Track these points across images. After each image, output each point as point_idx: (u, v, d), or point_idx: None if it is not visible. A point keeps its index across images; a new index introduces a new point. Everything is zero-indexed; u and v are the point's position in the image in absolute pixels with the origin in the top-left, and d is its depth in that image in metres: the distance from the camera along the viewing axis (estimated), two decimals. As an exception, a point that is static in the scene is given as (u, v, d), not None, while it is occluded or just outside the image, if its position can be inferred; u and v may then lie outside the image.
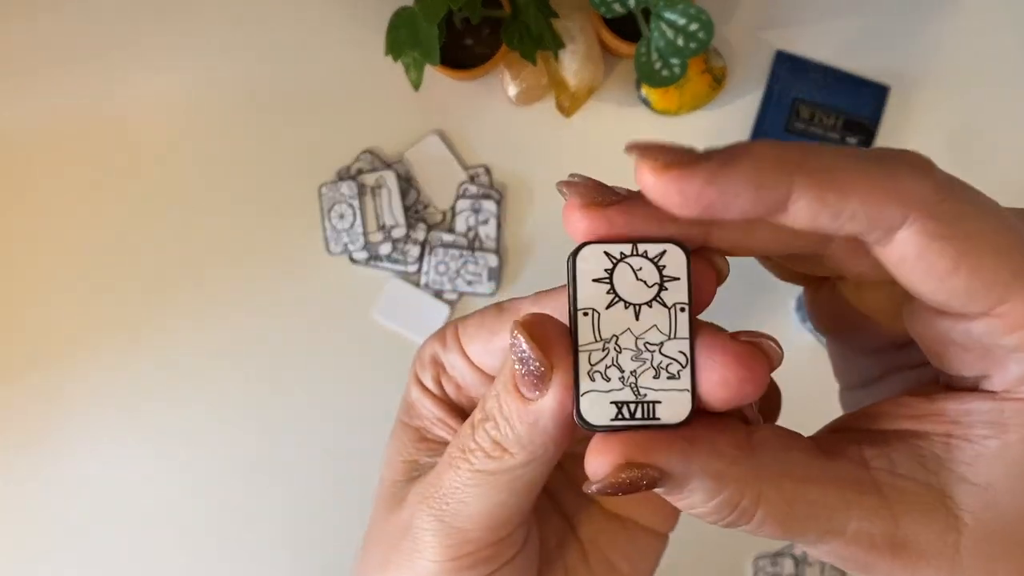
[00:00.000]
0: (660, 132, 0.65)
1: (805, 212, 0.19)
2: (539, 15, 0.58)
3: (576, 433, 0.22)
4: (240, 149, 0.65)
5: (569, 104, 0.63)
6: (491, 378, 0.24)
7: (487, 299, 0.64)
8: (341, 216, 0.63)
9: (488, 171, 0.65)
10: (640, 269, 0.21)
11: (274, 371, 0.65)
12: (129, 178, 0.65)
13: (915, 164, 0.19)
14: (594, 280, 0.21)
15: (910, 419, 0.22)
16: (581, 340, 0.20)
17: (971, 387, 0.21)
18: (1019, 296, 0.19)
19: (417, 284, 0.65)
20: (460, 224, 0.64)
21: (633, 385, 0.20)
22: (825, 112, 0.65)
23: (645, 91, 0.64)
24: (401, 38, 0.56)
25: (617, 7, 0.55)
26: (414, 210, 0.65)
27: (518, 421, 0.21)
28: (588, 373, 0.20)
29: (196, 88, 0.65)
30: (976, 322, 0.20)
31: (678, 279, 0.20)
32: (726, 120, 0.65)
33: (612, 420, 0.20)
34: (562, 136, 0.65)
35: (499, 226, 0.64)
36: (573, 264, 0.21)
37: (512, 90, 0.63)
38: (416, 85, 0.58)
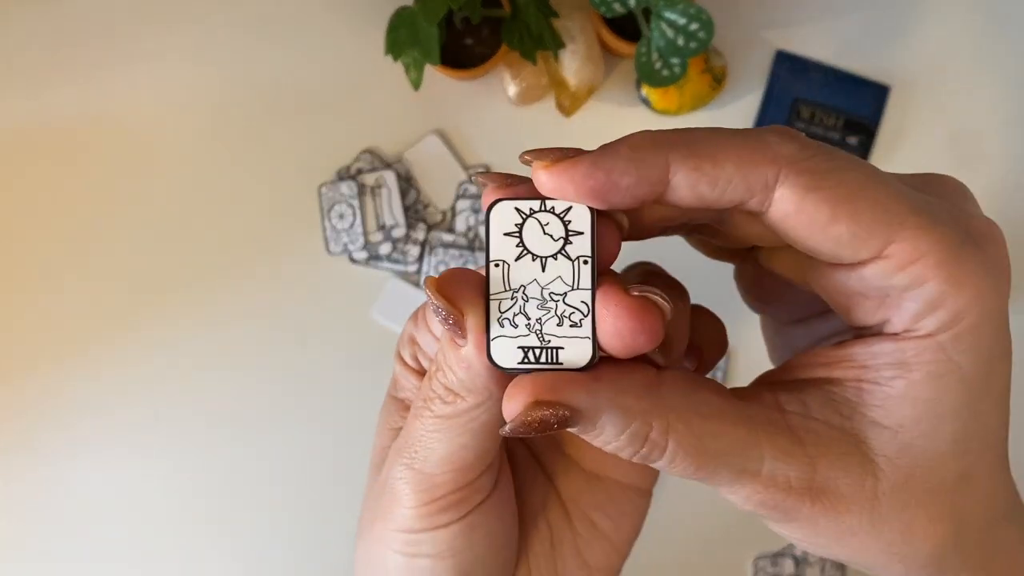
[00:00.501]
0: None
1: (684, 184, 0.20)
2: (539, 15, 0.58)
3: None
4: (239, 149, 0.65)
5: (569, 104, 0.63)
6: None
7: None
8: (341, 216, 0.63)
9: (488, 171, 0.65)
10: (547, 224, 0.22)
11: (274, 371, 0.64)
12: (128, 178, 0.65)
13: (780, 131, 0.21)
14: (505, 234, 0.22)
15: (822, 367, 0.23)
16: (492, 289, 0.22)
17: (876, 333, 0.22)
18: (902, 236, 0.20)
19: (417, 284, 0.65)
20: (460, 224, 0.64)
21: (538, 332, 0.22)
22: (825, 112, 0.65)
23: (645, 91, 0.64)
24: (401, 38, 0.56)
25: (617, 7, 0.55)
26: (414, 210, 0.65)
27: (456, 367, 0.23)
28: (498, 320, 0.22)
29: (196, 88, 0.65)
30: (867, 268, 0.21)
31: (582, 234, 0.22)
32: (726, 120, 0.65)
33: (519, 363, 0.22)
34: (562, 136, 0.65)
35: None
36: (487, 219, 0.22)
37: (512, 90, 0.63)
38: (416, 85, 0.58)
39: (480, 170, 0.23)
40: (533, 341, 0.22)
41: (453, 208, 0.65)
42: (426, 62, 0.56)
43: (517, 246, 0.22)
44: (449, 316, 0.22)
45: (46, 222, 0.65)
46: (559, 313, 0.22)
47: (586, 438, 0.22)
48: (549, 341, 0.22)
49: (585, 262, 0.22)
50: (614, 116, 0.65)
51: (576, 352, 0.22)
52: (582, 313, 0.22)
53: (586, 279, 0.22)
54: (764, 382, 0.24)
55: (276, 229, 0.65)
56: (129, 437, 0.64)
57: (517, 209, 0.22)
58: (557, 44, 0.60)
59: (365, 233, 0.63)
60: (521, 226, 0.22)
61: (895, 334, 0.21)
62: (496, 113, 0.65)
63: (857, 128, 0.65)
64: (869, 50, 0.65)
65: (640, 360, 0.23)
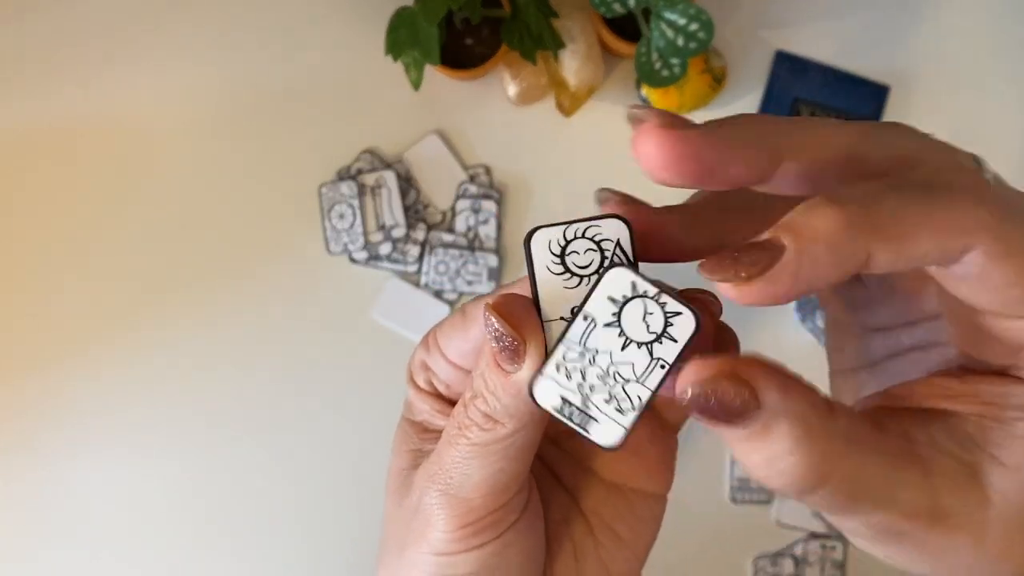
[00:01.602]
0: (660, 132, 0.65)
1: (884, 264, 0.19)
2: (539, 15, 0.58)
3: None
4: (240, 149, 0.65)
5: (569, 104, 0.63)
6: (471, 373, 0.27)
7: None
8: (341, 216, 0.63)
9: (488, 171, 0.65)
10: (651, 314, 0.22)
11: (274, 371, 0.65)
12: (128, 178, 0.65)
13: (969, 189, 0.20)
14: (609, 298, 0.22)
15: (944, 398, 0.22)
16: (570, 335, 0.22)
17: (998, 372, 0.22)
18: None
19: (417, 284, 0.65)
20: (460, 224, 0.64)
21: (586, 396, 0.22)
22: (825, 112, 0.65)
23: (645, 91, 0.64)
24: (401, 38, 0.56)
25: (617, 7, 0.55)
26: (414, 210, 0.65)
27: (503, 393, 0.24)
28: (556, 363, 0.22)
29: (196, 88, 0.65)
30: (1019, 321, 0.21)
31: (676, 342, 0.22)
32: (726, 120, 0.65)
33: (554, 408, 0.23)
34: (562, 136, 0.65)
35: (499, 226, 0.64)
36: (599, 277, 0.22)
37: (512, 90, 0.63)
38: (416, 85, 0.58)
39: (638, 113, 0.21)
40: (576, 400, 0.22)
41: (453, 208, 0.65)
42: (426, 62, 0.56)
43: (613, 315, 0.22)
44: (512, 342, 0.23)
45: (46, 222, 0.65)
46: (612, 392, 0.22)
47: (741, 448, 0.20)
48: (588, 409, 0.22)
49: (663, 367, 0.22)
50: (614, 116, 0.65)
51: (606, 432, 0.22)
52: (631, 407, 0.22)
53: (654, 380, 0.22)
54: (884, 407, 0.23)
55: (276, 229, 0.65)
56: (129, 437, 0.64)
57: (633, 283, 0.22)
58: (557, 44, 0.60)
59: (365, 233, 0.63)
60: (626, 301, 0.22)
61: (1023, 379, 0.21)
62: (496, 113, 0.65)
63: (857, 128, 0.65)
64: (869, 50, 0.65)
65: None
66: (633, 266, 0.22)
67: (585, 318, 0.22)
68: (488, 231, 0.64)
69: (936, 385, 0.23)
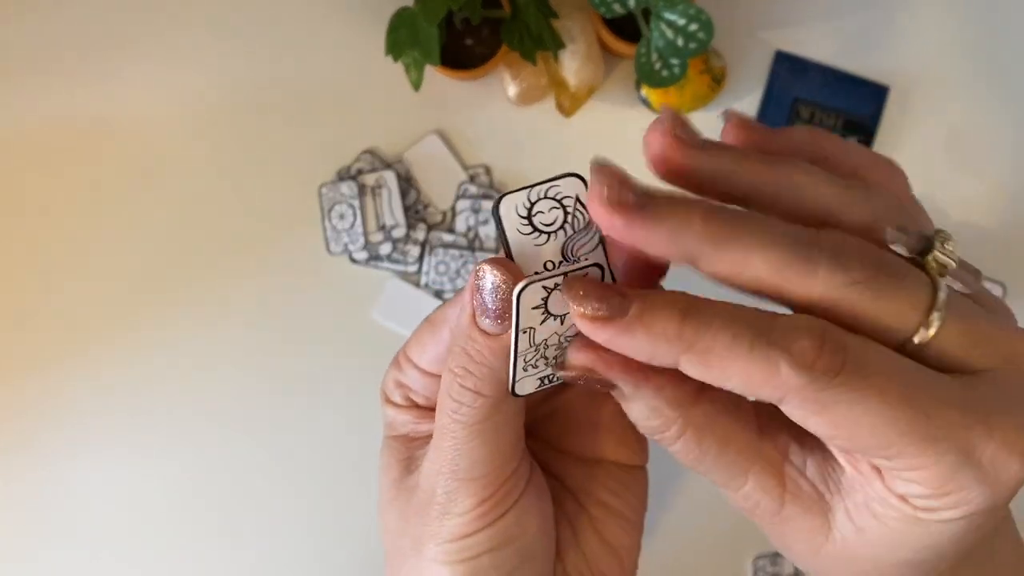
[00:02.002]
0: (660, 132, 0.65)
1: (691, 372, 0.22)
2: (539, 15, 0.58)
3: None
4: (240, 149, 0.65)
5: (569, 104, 0.63)
6: None
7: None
8: (341, 216, 0.64)
9: (488, 171, 0.65)
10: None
11: (274, 371, 0.65)
12: (128, 178, 0.65)
13: (800, 359, 0.21)
14: (533, 308, 0.24)
15: (835, 445, 0.25)
16: (520, 347, 0.25)
17: None
18: (902, 452, 0.22)
19: (417, 284, 0.65)
20: (460, 224, 0.64)
21: (550, 365, 0.26)
22: (825, 112, 0.65)
23: (645, 91, 0.64)
24: (401, 38, 0.56)
25: (617, 7, 0.55)
26: (414, 210, 0.65)
27: (490, 354, 0.25)
28: (523, 367, 0.25)
29: (196, 88, 0.65)
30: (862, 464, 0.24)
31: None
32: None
33: (537, 388, 0.26)
34: (562, 136, 0.65)
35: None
36: (518, 299, 0.24)
37: (512, 90, 0.63)
38: (416, 85, 0.58)
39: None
40: (548, 371, 0.26)
41: (453, 208, 0.65)
42: (426, 62, 0.56)
43: (542, 313, 0.24)
44: (507, 295, 0.24)
45: (46, 222, 0.65)
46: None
47: (619, 401, 0.25)
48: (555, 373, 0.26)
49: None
50: (614, 116, 0.65)
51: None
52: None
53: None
54: (788, 420, 0.25)
55: (276, 229, 0.65)
56: (129, 437, 0.64)
57: (544, 287, 0.24)
58: (557, 44, 0.60)
59: (365, 233, 0.64)
60: (546, 299, 0.24)
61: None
62: (496, 113, 0.65)
63: (856, 128, 0.65)
64: (868, 50, 0.65)
65: (680, 378, 0.25)
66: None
67: (524, 331, 0.25)
68: (488, 231, 0.64)
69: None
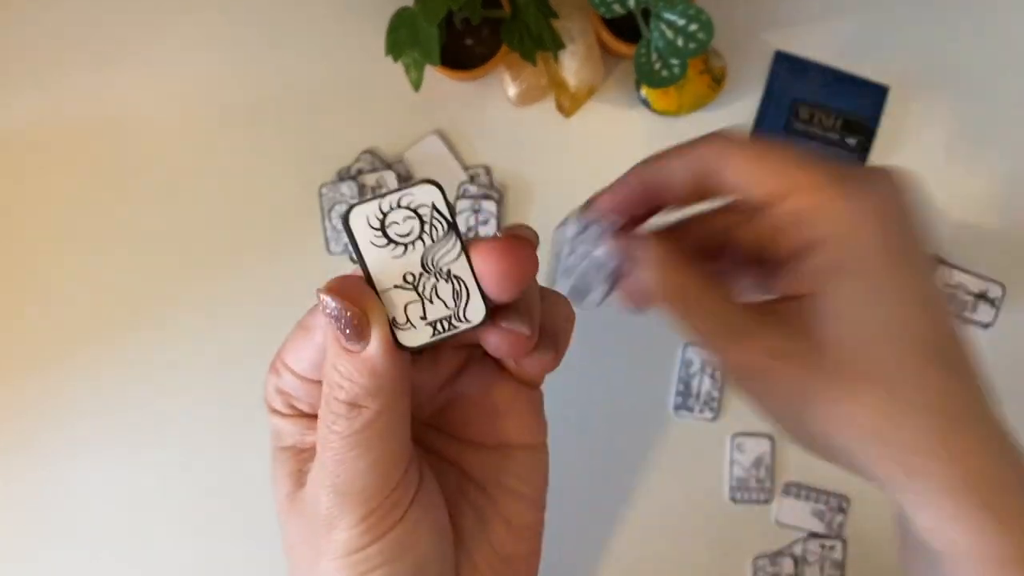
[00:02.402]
0: (660, 132, 0.65)
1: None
2: (539, 15, 0.58)
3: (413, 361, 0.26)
4: (240, 149, 0.65)
5: (569, 104, 0.63)
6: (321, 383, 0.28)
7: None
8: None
9: (488, 171, 0.65)
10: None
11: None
12: (129, 178, 0.65)
13: (722, 135, 0.30)
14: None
15: (796, 287, 0.30)
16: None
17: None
18: (789, 181, 0.28)
19: (417, 284, 0.65)
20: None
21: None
22: (825, 112, 0.65)
23: (645, 91, 0.64)
24: (401, 38, 0.56)
25: (617, 7, 0.55)
26: (414, 210, 0.65)
27: (358, 375, 0.24)
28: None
29: (196, 89, 0.65)
30: (781, 204, 0.28)
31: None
32: (726, 120, 0.65)
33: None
34: (562, 136, 0.65)
35: (499, 226, 0.64)
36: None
37: (512, 90, 0.63)
38: (416, 85, 0.58)
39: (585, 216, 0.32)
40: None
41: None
42: (426, 63, 0.56)
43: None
44: (352, 317, 0.23)
45: (46, 222, 0.65)
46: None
47: (630, 278, 0.30)
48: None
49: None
50: (614, 117, 0.65)
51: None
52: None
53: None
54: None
55: (277, 229, 0.65)
56: (129, 437, 0.64)
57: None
58: (557, 45, 0.60)
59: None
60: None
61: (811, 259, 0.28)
62: (496, 114, 0.65)
63: (856, 129, 0.65)
64: (868, 50, 0.65)
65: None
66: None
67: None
68: (488, 231, 0.64)
69: (787, 277, 0.30)
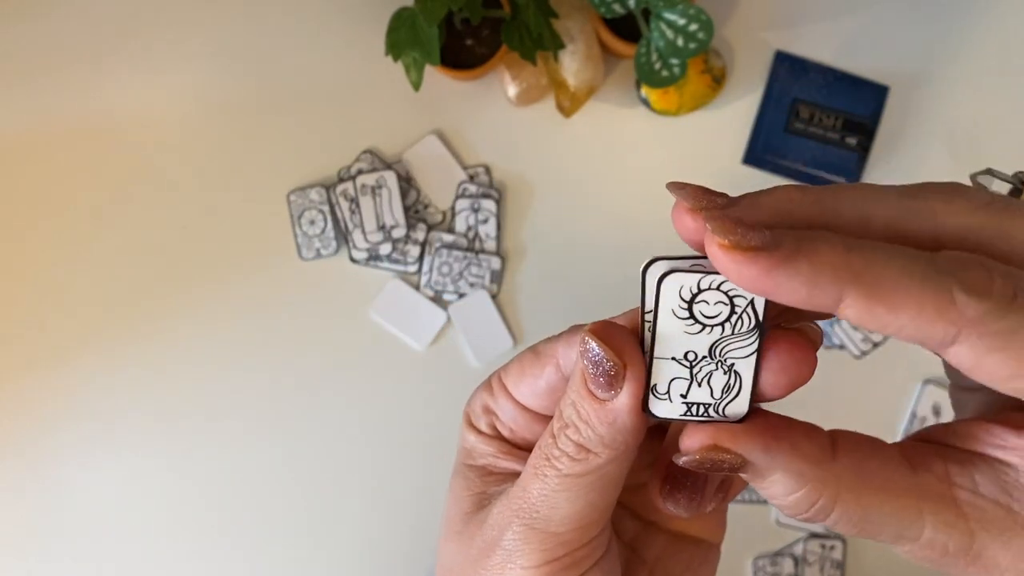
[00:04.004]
0: (660, 132, 0.65)
1: (853, 316, 0.20)
2: (539, 15, 0.58)
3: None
4: (239, 150, 0.65)
5: (569, 104, 0.63)
6: (540, 416, 0.27)
7: (490, 299, 0.64)
8: (312, 222, 0.64)
9: (488, 171, 0.65)
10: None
11: (273, 371, 0.65)
12: (126, 180, 0.65)
13: (974, 285, 0.20)
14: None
15: (996, 447, 0.23)
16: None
17: None
18: None
19: (417, 285, 0.65)
20: (460, 224, 0.64)
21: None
22: (825, 112, 0.65)
23: (645, 91, 0.64)
24: (401, 38, 0.56)
25: (617, 7, 0.55)
26: (414, 210, 0.65)
27: (598, 422, 0.23)
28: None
29: (196, 89, 0.65)
30: None
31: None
32: (726, 120, 0.65)
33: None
34: (562, 136, 0.65)
35: (499, 225, 0.64)
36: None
37: (512, 90, 0.63)
38: (416, 85, 0.58)
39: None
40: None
41: (453, 208, 0.65)
42: (426, 63, 0.56)
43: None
44: (611, 367, 0.23)
45: (44, 224, 0.65)
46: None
47: (753, 485, 0.23)
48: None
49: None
50: (614, 116, 0.65)
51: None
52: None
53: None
54: (931, 441, 0.24)
55: (277, 229, 0.65)
56: (129, 438, 0.64)
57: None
58: (557, 44, 0.60)
59: (338, 236, 0.63)
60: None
61: None
62: (496, 113, 0.65)
63: (856, 128, 0.65)
64: (868, 50, 0.65)
65: (811, 430, 0.23)
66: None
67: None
68: (488, 230, 0.64)
69: (992, 433, 0.23)
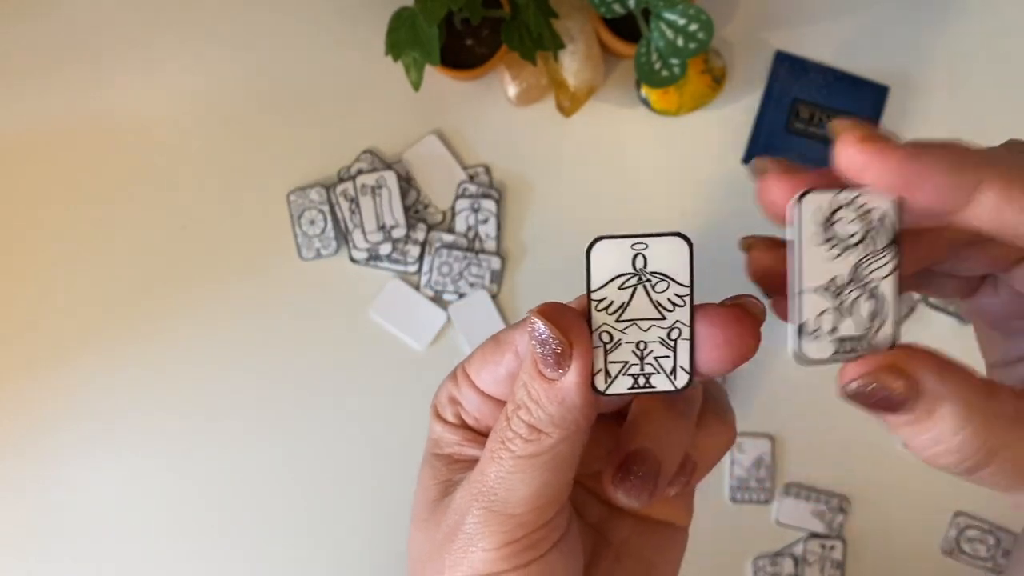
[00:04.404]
0: (660, 132, 0.65)
1: (991, 204, 0.20)
2: (539, 15, 0.58)
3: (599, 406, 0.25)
4: (239, 150, 0.65)
5: (569, 104, 0.63)
6: (502, 403, 0.27)
7: (490, 299, 0.64)
8: (312, 222, 0.64)
9: (488, 171, 0.65)
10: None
11: (273, 371, 0.65)
12: (126, 180, 0.65)
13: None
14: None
15: None
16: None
17: None
18: None
19: (417, 285, 0.65)
20: (460, 224, 0.64)
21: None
22: (825, 112, 0.65)
23: (645, 91, 0.64)
24: (401, 38, 0.56)
25: (617, 7, 0.55)
26: (414, 210, 0.65)
27: (547, 402, 0.24)
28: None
29: (195, 89, 0.65)
30: None
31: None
32: (726, 120, 0.65)
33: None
34: (562, 136, 0.65)
35: (499, 225, 0.64)
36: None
37: (512, 90, 0.63)
38: (416, 85, 0.58)
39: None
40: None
41: (453, 208, 0.65)
42: (426, 63, 0.56)
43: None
44: (557, 345, 0.23)
45: (44, 224, 0.65)
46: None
47: (907, 431, 0.21)
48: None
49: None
50: (614, 116, 0.65)
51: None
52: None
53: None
54: None
55: (277, 229, 0.65)
56: (129, 438, 0.64)
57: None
58: (557, 44, 0.60)
59: (338, 236, 0.63)
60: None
61: None
62: (496, 113, 0.65)
63: (856, 128, 0.65)
64: (869, 50, 0.65)
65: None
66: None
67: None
68: (488, 230, 0.64)
69: None
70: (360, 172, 0.64)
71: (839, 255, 0.22)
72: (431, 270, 0.64)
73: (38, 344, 0.64)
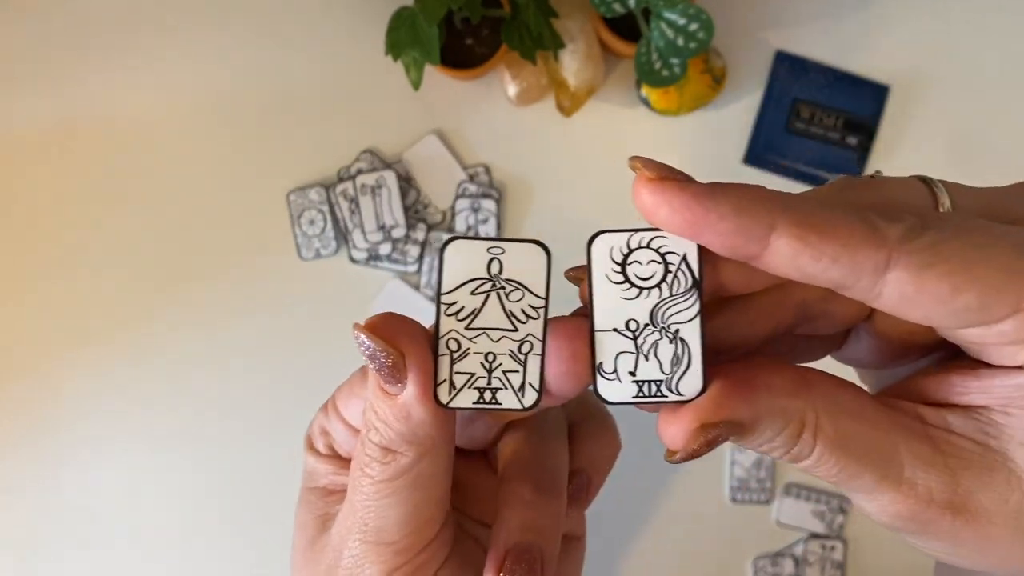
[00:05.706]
0: (660, 132, 0.65)
1: (786, 251, 0.19)
2: (539, 15, 0.58)
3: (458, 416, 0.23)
4: (239, 149, 0.65)
5: (569, 104, 0.63)
6: None
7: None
8: (311, 222, 0.64)
9: (488, 171, 0.65)
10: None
11: (273, 372, 0.65)
12: (126, 180, 0.65)
13: (886, 213, 0.20)
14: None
15: (959, 394, 0.22)
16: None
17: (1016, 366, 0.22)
18: None
19: (417, 285, 0.65)
20: (460, 224, 0.64)
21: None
22: (825, 112, 0.65)
23: (645, 91, 0.64)
24: (401, 38, 0.56)
25: (617, 7, 0.55)
26: (414, 210, 0.65)
27: (393, 419, 0.22)
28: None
29: (195, 89, 0.65)
30: (1005, 323, 0.20)
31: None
32: (726, 120, 0.65)
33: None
34: (562, 136, 0.65)
35: (499, 225, 0.64)
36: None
37: (512, 90, 0.63)
38: (416, 85, 0.58)
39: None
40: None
41: (453, 208, 0.65)
42: (426, 62, 0.56)
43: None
44: (387, 357, 0.22)
45: (44, 225, 0.65)
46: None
47: (745, 445, 0.22)
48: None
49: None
50: (614, 116, 0.65)
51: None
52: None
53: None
54: (895, 395, 0.23)
55: (277, 229, 0.65)
56: (129, 438, 0.64)
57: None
58: (557, 44, 0.60)
59: (338, 236, 0.63)
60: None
61: None
62: (496, 113, 0.65)
63: (857, 128, 0.65)
64: (869, 50, 0.65)
65: (777, 366, 0.22)
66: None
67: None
68: (488, 230, 0.64)
69: (950, 383, 0.22)
70: (360, 172, 0.64)
71: (636, 296, 0.22)
72: (431, 270, 0.64)
73: (38, 344, 0.64)
